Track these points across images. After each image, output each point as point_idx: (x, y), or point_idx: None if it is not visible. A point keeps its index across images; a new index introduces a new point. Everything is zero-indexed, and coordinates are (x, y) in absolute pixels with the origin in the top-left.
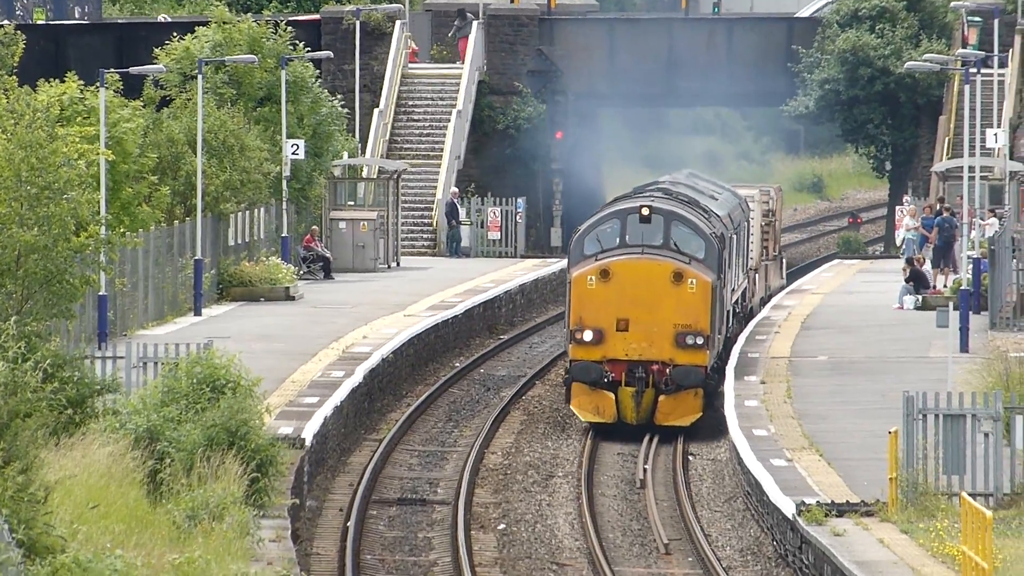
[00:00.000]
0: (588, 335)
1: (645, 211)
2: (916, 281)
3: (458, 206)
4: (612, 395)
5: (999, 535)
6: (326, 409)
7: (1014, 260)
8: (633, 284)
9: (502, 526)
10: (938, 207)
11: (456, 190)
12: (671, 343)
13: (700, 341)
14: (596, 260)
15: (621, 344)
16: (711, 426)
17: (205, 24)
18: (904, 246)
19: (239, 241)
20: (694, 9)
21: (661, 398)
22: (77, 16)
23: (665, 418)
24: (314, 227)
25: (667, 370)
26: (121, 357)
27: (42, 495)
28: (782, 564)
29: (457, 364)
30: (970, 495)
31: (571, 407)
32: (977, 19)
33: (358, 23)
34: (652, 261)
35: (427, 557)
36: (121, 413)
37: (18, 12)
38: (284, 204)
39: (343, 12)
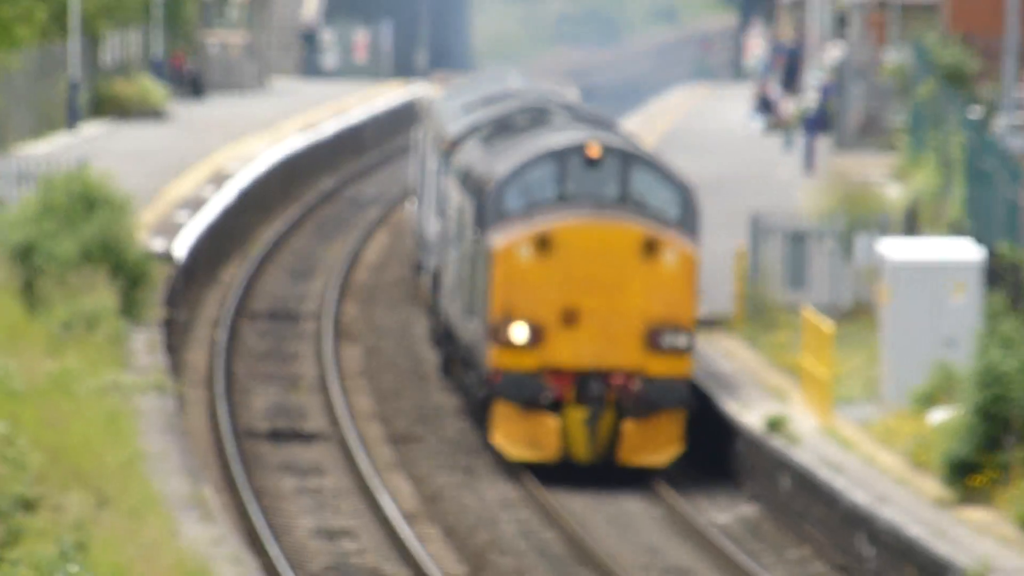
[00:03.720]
0: (520, 333)
1: (594, 150)
2: (764, 105)
3: (316, 31)
4: (556, 421)
5: (838, 347)
6: (197, 226)
7: (856, 86)
8: (585, 258)
9: (370, 340)
10: (787, 35)
11: (309, 15)
12: (641, 345)
13: (683, 342)
14: (528, 222)
15: (569, 346)
16: None
17: None
18: (755, 72)
19: (113, 60)
20: None
21: (626, 425)
22: None
23: (632, 454)
24: (181, 48)
25: (635, 384)
26: None
27: None
28: None
29: (325, 184)
30: (812, 309)
31: (494, 440)
32: None
33: None
34: (613, 224)
35: (294, 368)
36: (7, 227)
37: None
38: (153, 27)
39: None
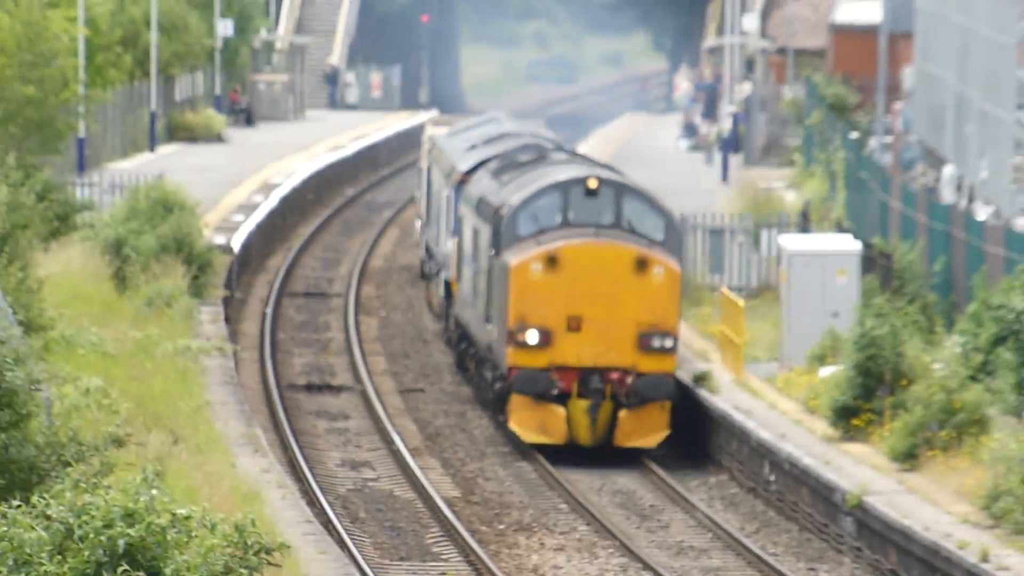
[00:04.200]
0: (532, 337)
1: (592, 183)
2: (689, 129)
3: (339, 72)
4: (562, 410)
5: (748, 318)
6: (249, 225)
7: (761, 115)
8: (587, 274)
9: (383, 312)
10: (708, 75)
11: (333, 60)
12: (633, 346)
13: (669, 344)
14: (538, 243)
15: (573, 347)
16: None
17: None
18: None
19: (183, 96)
20: None
21: (622, 413)
22: None
23: (626, 438)
24: (237, 87)
25: (629, 379)
26: (95, 183)
27: (36, 286)
28: None
29: (348, 192)
30: (728, 289)
31: (510, 426)
32: None
33: None
34: (610, 245)
35: (326, 335)
36: (95, 226)
37: None
38: (215, 69)
39: None
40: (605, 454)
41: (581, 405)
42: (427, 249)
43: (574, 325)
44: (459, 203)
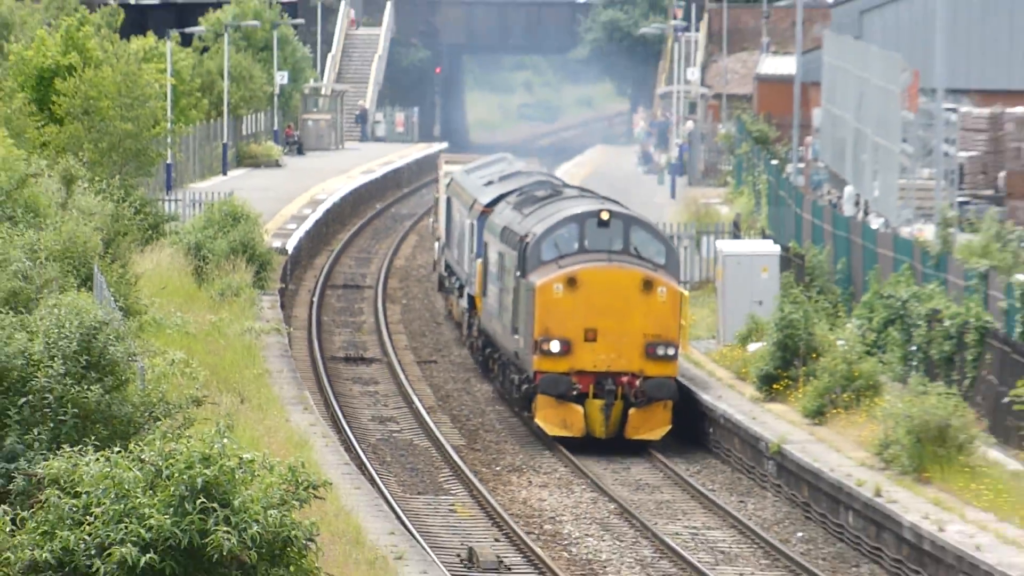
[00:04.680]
0: (555, 346)
1: (604, 216)
2: (646, 157)
3: (368, 112)
4: (580, 408)
5: (692, 306)
6: (300, 232)
7: (701, 146)
8: (601, 293)
9: (404, 301)
10: (659, 115)
11: (363, 103)
12: (641, 354)
13: (671, 352)
14: (559, 267)
15: (589, 355)
16: None
17: (229, 2)
18: (640, 137)
19: (248, 131)
20: None
21: (631, 411)
22: None
23: (635, 432)
24: (290, 124)
25: (637, 382)
26: (179, 200)
27: (133, 280)
28: None
29: (378, 206)
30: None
31: (536, 421)
32: (682, 3)
33: (320, 3)
34: (621, 269)
35: (360, 318)
36: (179, 233)
37: None
38: (274, 110)
39: None
40: (616, 445)
41: (596, 404)
42: (447, 267)
43: (590, 336)
44: (483, 231)
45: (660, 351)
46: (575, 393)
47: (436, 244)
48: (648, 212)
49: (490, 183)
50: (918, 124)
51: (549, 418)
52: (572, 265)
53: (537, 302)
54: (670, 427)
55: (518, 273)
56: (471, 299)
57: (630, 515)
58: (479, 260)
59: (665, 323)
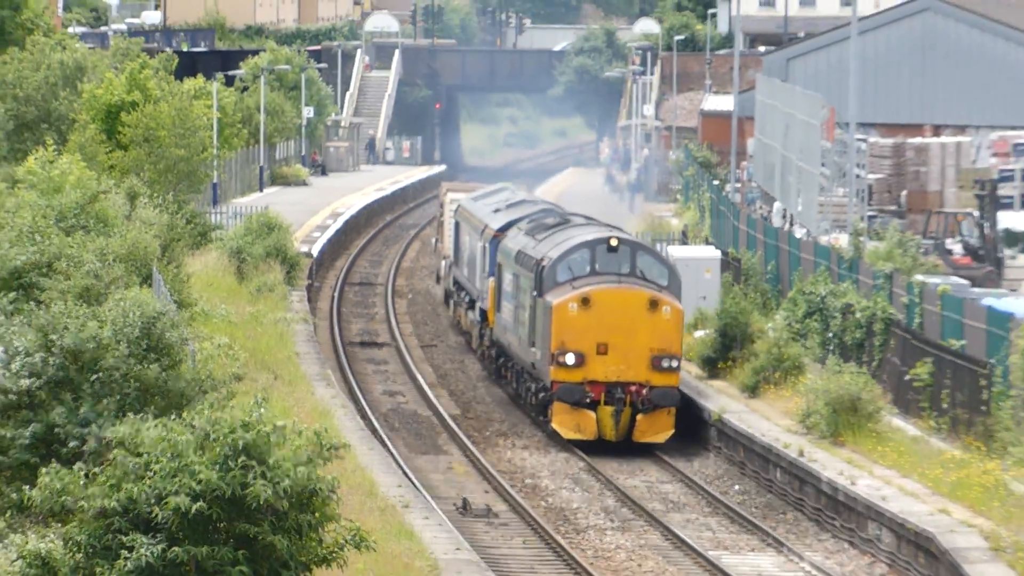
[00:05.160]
0: (570, 358)
1: (614, 242)
2: (610, 178)
3: (375, 141)
4: (593, 414)
5: None
6: (323, 239)
7: (655, 169)
8: (612, 311)
9: (410, 296)
10: (621, 144)
11: (373, 132)
12: (647, 366)
13: (675, 364)
14: (573, 287)
15: (601, 367)
16: None
17: (264, 50)
18: (605, 162)
19: (281, 156)
20: (505, 44)
21: (638, 417)
22: (203, 46)
23: (642, 435)
24: (315, 150)
25: (644, 391)
26: (224, 212)
27: (186, 278)
28: None
29: (387, 218)
30: None
31: (552, 425)
32: (639, 51)
33: (340, 51)
34: (629, 290)
35: (373, 310)
36: (224, 240)
37: (175, 43)
38: (302, 138)
39: (333, 45)
40: (624, 448)
41: (607, 410)
42: (455, 282)
43: (602, 350)
44: (495, 253)
45: (664, 363)
46: (588, 401)
47: (443, 262)
48: (612, 223)
49: (498, 210)
50: (834, 151)
51: (565, 423)
52: (585, 286)
53: (554, 319)
54: (673, 431)
55: (535, 293)
56: (483, 313)
57: (597, 472)
58: (491, 279)
59: (669, 338)
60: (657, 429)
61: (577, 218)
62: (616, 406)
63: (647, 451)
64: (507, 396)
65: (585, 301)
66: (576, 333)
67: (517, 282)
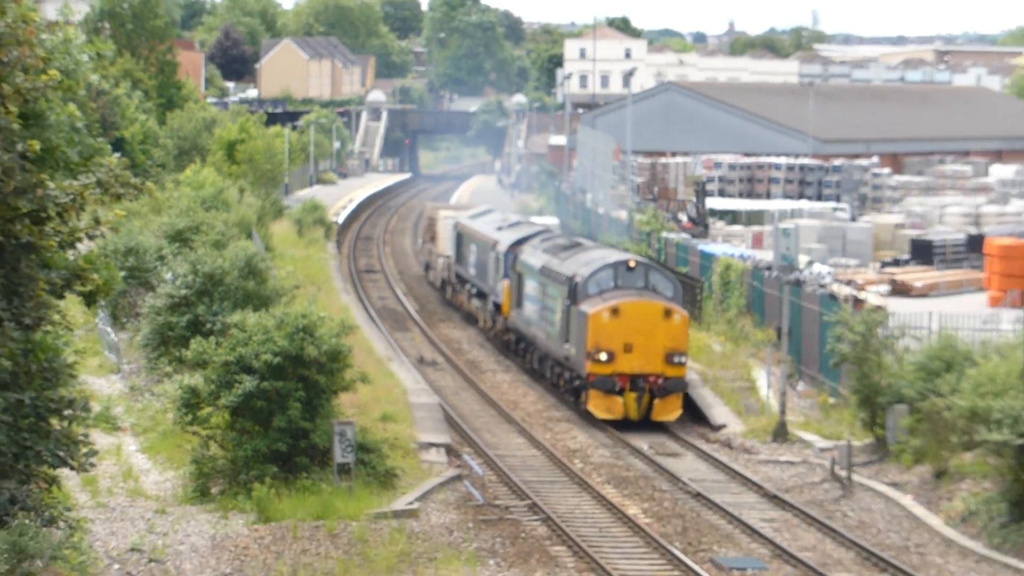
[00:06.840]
0: (603, 356)
1: (632, 264)
2: (500, 181)
3: (370, 160)
4: (620, 399)
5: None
6: (345, 213)
7: (524, 176)
8: (635, 318)
9: (393, 247)
10: (506, 161)
11: (371, 156)
12: (662, 361)
13: (683, 360)
14: (603, 299)
15: (627, 362)
16: None
17: (311, 111)
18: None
19: (322, 168)
20: (443, 107)
21: (656, 401)
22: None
23: (658, 415)
24: (342, 164)
25: (659, 380)
26: (290, 198)
27: (271, 235)
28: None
29: (379, 202)
30: None
31: (588, 407)
32: (516, 111)
33: (353, 111)
34: (648, 302)
35: (373, 253)
36: (291, 214)
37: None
38: (333, 158)
39: (349, 108)
40: (644, 424)
41: (631, 396)
42: (457, 276)
43: (628, 349)
44: (514, 263)
45: (675, 359)
46: (617, 389)
47: (440, 260)
48: (499, 207)
49: (500, 228)
50: (618, 166)
51: (598, 407)
52: (613, 299)
53: (590, 325)
54: (681, 411)
55: (568, 302)
56: (496, 305)
57: (496, 341)
58: (505, 280)
59: (679, 339)
60: (670, 410)
61: (588, 242)
62: (638, 393)
63: (660, 427)
64: (443, 300)
65: (615, 311)
66: (607, 335)
67: (544, 290)
